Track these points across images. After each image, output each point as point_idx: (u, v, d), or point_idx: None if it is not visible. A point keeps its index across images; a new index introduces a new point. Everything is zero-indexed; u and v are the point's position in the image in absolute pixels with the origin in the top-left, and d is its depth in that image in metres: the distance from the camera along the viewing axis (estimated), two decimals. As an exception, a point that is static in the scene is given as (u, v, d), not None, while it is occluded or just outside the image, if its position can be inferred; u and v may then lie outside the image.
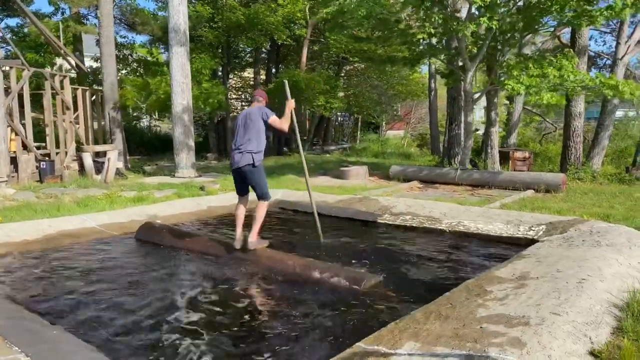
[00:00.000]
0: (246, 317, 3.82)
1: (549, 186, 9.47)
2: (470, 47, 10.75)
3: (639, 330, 3.04)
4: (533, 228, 6.10)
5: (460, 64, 10.81)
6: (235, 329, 3.59)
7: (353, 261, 5.19)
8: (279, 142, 23.79)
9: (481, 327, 3.13)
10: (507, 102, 14.12)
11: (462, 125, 10.94)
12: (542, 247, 5.23)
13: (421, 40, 10.27)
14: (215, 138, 21.53)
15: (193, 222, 7.50)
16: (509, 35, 10.05)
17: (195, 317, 3.81)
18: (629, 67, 16.57)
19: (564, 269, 4.19)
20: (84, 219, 6.96)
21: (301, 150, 6.23)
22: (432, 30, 9.60)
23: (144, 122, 29.10)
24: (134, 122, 25.45)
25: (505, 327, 3.08)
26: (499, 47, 10.51)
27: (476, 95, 10.69)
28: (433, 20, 9.38)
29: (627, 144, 15.63)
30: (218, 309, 3.98)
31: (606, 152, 12.59)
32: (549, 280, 3.93)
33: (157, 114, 26.26)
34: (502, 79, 10.20)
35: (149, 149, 21.98)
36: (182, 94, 11.74)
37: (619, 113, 19.26)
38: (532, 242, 5.66)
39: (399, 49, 18.36)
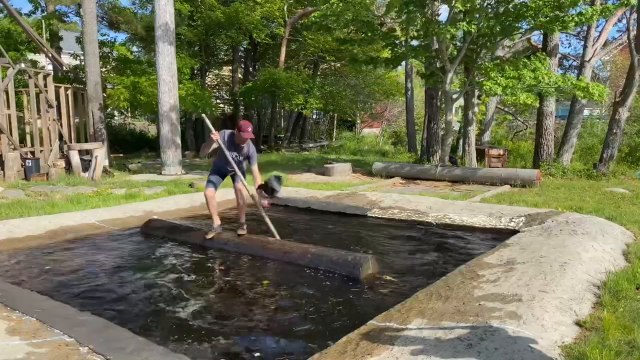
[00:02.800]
0: (253, 304, 4.13)
1: (524, 181, 10.02)
2: (450, 49, 11.23)
3: (616, 304, 3.48)
4: (514, 220, 6.56)
5: (440, 65, 11.28)
6: (245, 316, 3.90)
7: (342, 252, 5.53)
8: (256, 141, 23.99)
9: (479, 305, 3.53)
10: (479, 101, 14.68)
11: (444, 123, 11.39)
12: (523, 236, 5.68)
13: (403, 42, 10.68)
14: (192, 136, 21.54)
15: (189, 217, 7.73)
16: (486, 38, 10.56)
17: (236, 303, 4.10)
18: (594, 69, 17.42)
19: (547, 254, 4.64)
20: (83, 215, 7.12)
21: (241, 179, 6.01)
22: (415, 33, 10.02)
23: (117, 119, 28.81)
24: (108, 119, 25.22)
25: (501, 304, 3.48)
26: (477, 49, 11.02)
27: (455, 95, 11.18)
28: (415, 23, 9.81)
29: (593, 141, 16.44)
30: (241, 297, 4.28)
31: (574, 149, 13.27)
32: (534, 264, 4.36)
33: (128, 111, 26.08)
34: (480, 80, 10.71)
35: (124, 147, 21.84)
36: (169, 93, 11.87)
37: (585, 112, 20.17)
38: (513, 232, 6.12)
39: (376, 48, 18.90)
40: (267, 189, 5.60)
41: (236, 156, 5.62)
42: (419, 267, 5.08)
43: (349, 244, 5.86)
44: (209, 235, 5.79)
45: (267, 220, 5.81)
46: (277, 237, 5.69)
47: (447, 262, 5.20)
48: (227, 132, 5.64)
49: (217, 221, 5.89)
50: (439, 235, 6.37)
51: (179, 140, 12.46)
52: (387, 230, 6.70)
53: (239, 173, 5.64)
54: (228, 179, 5.94)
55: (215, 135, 5.47)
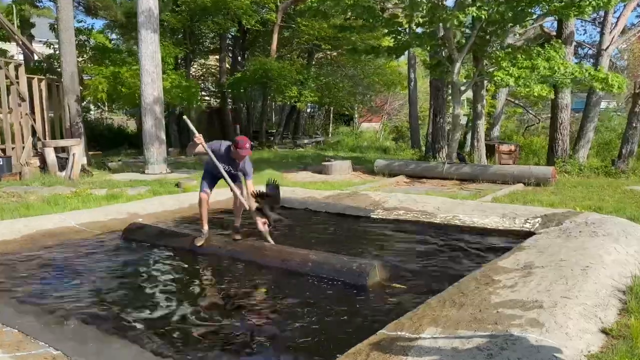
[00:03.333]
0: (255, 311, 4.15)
1: (538, 179, 10.10)
2: (458, 37, 11.29)
3: (643, 311, 3.53)
4: (529, 221, 6.62)
5: (447, 54, 11.34)
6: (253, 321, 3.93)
7: (351, 255, 5.56)
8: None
9: (497, 312, 3.56)
10: (485, 93, 14.79)
11: (451, 117, 11.45)
12: (540, 238, 5.73)
13: (407, 30, 10.72)
14: (176, 131, 21.48)
15: (177, 219, 7.73)
16: (497, 25, 10.63)
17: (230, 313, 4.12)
18: (611, 58, 17.55)
19: (567, 258, 4.68)
20: (62, 217, 7.11)
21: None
22: (420, 20, 10.07)
23: (93, 113, 28.71)
24: (83, 113, 25.14)
25: (521, 311, 3.52)
26: (487, 37, 11.08)
27: (463, 87, 11.24)
28: (420, 9, 9.86)
29: (611, 136, 16.58)
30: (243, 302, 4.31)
31: (591, 144, 13.38)
32: (554, 268, 4.41)
33: (105, 104, 25.97)
34: (490, 70, 10.77)
35: (101, 144, 21.76)
36: (152, 84, 11.86)
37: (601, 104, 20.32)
38: (529, 234, 6.16)
39: (376, 36, 18.94)
40: (266, 200, 5.57)
41: (230, 170, 5.63)
42: (429, 273, 5.11)
43: (351, 249, 5.89)
44: (199, 242, 5.81)
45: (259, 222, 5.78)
46: (271, 241, 5.70)
47: (458, 266, 5.23)
48: (224, 144, 5.66)
49: (205, 227, 5.90)
50: (449, 238, 6.41)
51: (163, 136, 12.46)
52: (393, 233, 6.74)
53: (232, 185, 5.64)
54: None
55: (199, 139, 5.45)
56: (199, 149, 5.56)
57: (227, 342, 3.58)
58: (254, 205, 5.62)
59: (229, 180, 5.61)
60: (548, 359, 2.77)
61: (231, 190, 5.70)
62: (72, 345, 3.30)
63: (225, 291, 4.66)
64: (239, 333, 3.71)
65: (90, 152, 15.02)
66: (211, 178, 5.84)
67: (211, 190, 5.85)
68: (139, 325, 3.82)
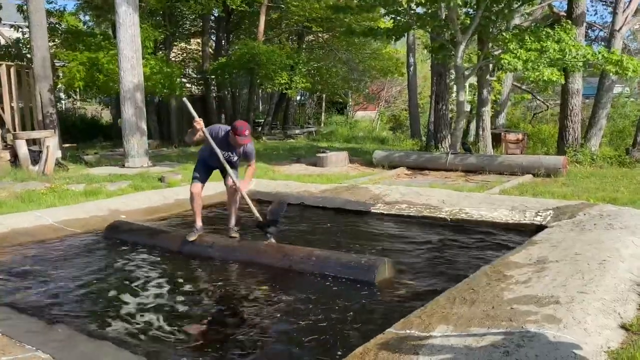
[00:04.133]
0: (258, 311, 4.22)
1: (548, 170, 10.24)
2: (462, 17, 11.37)
3: (664, 305, 3.64)
4: (540, 214, 6.73)
5: (450, 36, 11.42)
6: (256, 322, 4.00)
7: (353, 253, 5.64)
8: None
9: (512, 308, 3.65)
10: (491, 78, 14.90)
11: (454, 104, 11.53)
12: (553, 232, 5.84)
13: (407, 10, 10.78)
14: (155, 122, 21.42)
15: (162, 216, 7.77)
16: (503, 4, 10.72)
17: (234, 310, 4.19)
18: (624, 40, 17.71)
19: (582, 251, 4.79)
20: (38, 215, 7.12)
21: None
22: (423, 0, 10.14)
23: (65, 103, 28.56)
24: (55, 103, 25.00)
25: (536, 307, 3.61)
26: (493, 17, 11.17)
27: (468, 72, 11.33)
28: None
29: (624, 123, 16.77)
30: (245, 304, 4.37)
31: (603, 132, 13.54)
32: (570, 262, 4.51)
33: (77, 93, 25.83)
34: (497, 53, 10.86)
35: (74, 136, 21.68)
36: (132, 71, 11.83)
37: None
38: (540, 228, 6.27)
39: (373, 17, 18.96)
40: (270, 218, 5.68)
41: (229, 156, 5.63)
42: (435, 269, 5.20)
43: (352, 246, 5.96)
44: (191, 237, 5.83)
45: (253, 207, 5.85)
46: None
47: (467, 262, 5.33)
48: (223, 128, 5.67)
49: (199, 222, 5.94)
50: (455, 233, 6.51)
51: (144, 126, 12.44)
52: (395, 228, 6.83)
53: (230, 171, 5.68)
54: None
55: (199, 123, 5.46)
56: (199, 135, 5.55)
57: (228, 343, 3.65)
58: (243, 185, 5.70)
59: (229, 169, 5.62)
60: (567, 355, 2.86)
61: (232, 181, 5.71)
62: (61, 348, 3.35)
63: (222, 291, 4.73)
64: (239, 334, 3.78)
65: (65, 145, 14.96)
66: (205, 168, 5.85)
67: (205, 182, 5.88)
68: (129, 328, 3.87)
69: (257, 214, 5.74)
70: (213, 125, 5.76)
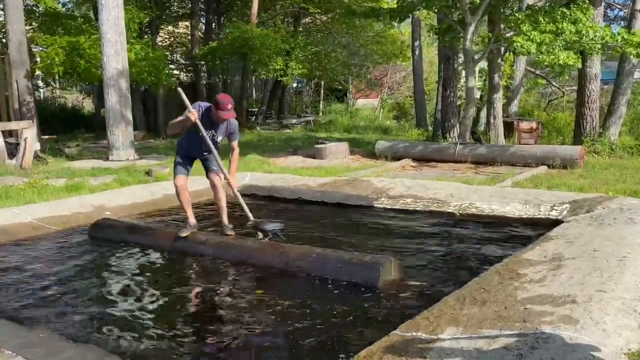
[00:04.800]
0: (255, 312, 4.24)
1: (564, 161, 10.26)
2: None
3: (688, 305, 3.66)
4: (555, 207, 6.75)
5: (459, 17, 11.40)
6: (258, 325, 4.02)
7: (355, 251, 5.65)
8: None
9: (525, 308, 3.67)
10: (502, 62, 14.90)
11: (463, 91, 11.52)
12: (569, 227, 5.87)
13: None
14: (141, 111, 21.40)
15: (150, 213, 7.80)
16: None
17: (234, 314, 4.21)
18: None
19: (600, 247, 4.81)
20: (16, 212, 7.13)
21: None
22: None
23: (43, 91, 28.51)
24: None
25: (551, 307, 3.63)
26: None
27: (478, 56, 11.33)
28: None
29: (644, 110, 16.75)
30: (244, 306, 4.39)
31: (623, 120, 13.53)
32: (587, 259, 4.53)
33: (57, 80, 25.79)
34: (509, 35, 10.86)
35: (54, 127, 21.66)
36: (116, 56, 11.84)
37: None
38: (556, 222, 6.29)
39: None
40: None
41: (213, 135, 5.63)
42: (443, 268, 5.24)
43: (353, 243, 5.98)
44: (183, 233, 5.81)
45: (244, 206, 5.86)
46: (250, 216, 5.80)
47: (477, 260, 5.36)
48: (203, 105, 5.65)
49: (192, 218, 5.94)
50: (465, 229, 6.54)
51: (130, 116, 12.45)
52: (400, 224, 6.85)
53: (215, 155, 5.67)
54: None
55: (194, 114, 5.43)
56: (184, 126, 5.54)
57: (223, 348, 3.67)
58: (233, 180, 5.73)
59: (216, 154, 5.63)
60: (585, 357, 2.88)
61: (219, 176, 5.73)
62: (44, 354, 3.36)
63: (215, 292, 4.75)
64: (235, 338, 3.79)
65: (44, 137, 14.95)
66: (186, 159, 5.83)
67: (188, 173, 5.86)
68: (116, 332, 3.89)
69: (249, 214, 5.76)
70: (194, 103, 5.72)
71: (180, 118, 5.65)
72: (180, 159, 5.85)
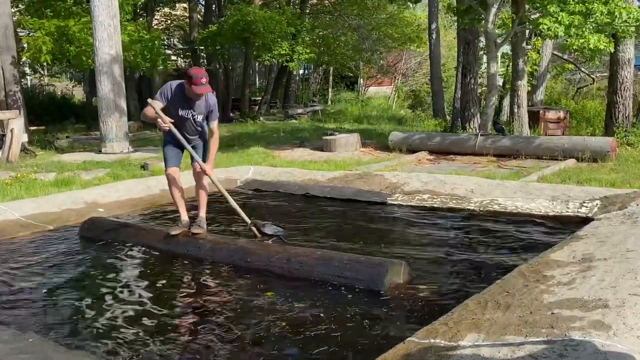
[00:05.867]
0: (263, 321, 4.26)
1: (594, 154, 10.20)
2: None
3: None
4: (585, 204, 6.73)
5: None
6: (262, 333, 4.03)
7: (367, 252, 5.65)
8: (223, 107, 23.89)
9: (553, 313, 3.67)
10: (528, 47, 14.83)
11: (484, 78, 11.47)
12: (600, 225, 5.85)
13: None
14: (136, 100, 21.45)
15: (146, 210, 7.85)
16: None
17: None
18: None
19: (635, 247, 4.80)
20: (2, 209, 7.19)
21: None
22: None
23: (30, 79, 28.63)
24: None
25: (581, 312, 3.62)
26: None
27: (500, 39, 11.28)
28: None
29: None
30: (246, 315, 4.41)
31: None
32: (620, 260, 4.52)
33: (43, 68, 25.85)
34: (534, 17, 10.80)
35: (42, 117, 21.78)
36: (109, 41, 11.86)
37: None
38: (585, 220, 6.28)
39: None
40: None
41: (192, 115, 5.58)
42: (463, 269, 5.23)
43: (365, 244, 5.99)
44: (174, 231, 5.82)
45: (235, 206, 5.87)
46: (246, 219, 5.81)
47: (500, 261, 5.35)
48: (174, 84, 5.59)
49: (184, 214, 5.96)
50: (486, 227, 6.53)
51: (124, 105, 12.48)
52: (416, 222, 6.84)
53: (198, 142, 5.68)
54: None
55: (166, 124, 5.42)
56: (151, 112, 5.51)
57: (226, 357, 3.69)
58: (210, 169, 5.69)
59: (188, 147, 5.62)
60: (618, 366, 2.88)
61: (190, 155, 5.71)
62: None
63: (213, 297, 4.75)
64: (238, 346, 3.80)
65: (32, 128, 15.02)
66: (175, 147, 5.81)
67: (179, 164, 5.87)
68: (108, 338, 3.91)
69: (243, 214, 5.75)
70: (164, 85, 5.68)
71: (150, 111, 5.55)
72: (169, 146, 5.82)
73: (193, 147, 5.74)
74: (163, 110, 5.52)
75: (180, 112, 5.54)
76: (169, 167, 5.79)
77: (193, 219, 5.99)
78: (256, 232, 5.70)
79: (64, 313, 4.38)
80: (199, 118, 5.62)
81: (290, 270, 5.09)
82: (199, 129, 5.73)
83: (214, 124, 5.69)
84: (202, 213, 5.93)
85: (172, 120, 5.49)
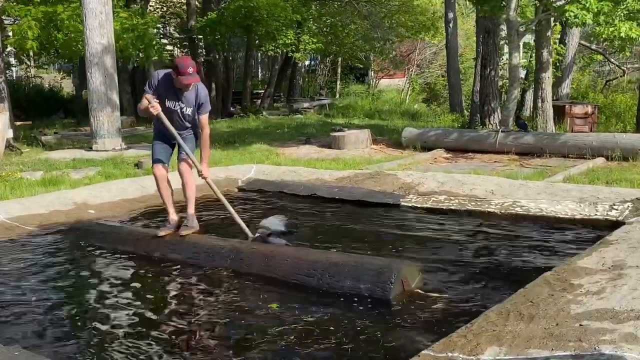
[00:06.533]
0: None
1: (625, 152, 10.17)
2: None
3: None
4: (615, 207, 6.70)
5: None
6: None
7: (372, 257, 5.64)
8: (223, 100, 23.89)
9: (581, 325, 3.65)
10: (552, 35, 14.79)
11: (505, 70, 11.44)
12: (632, 229, 5.82)
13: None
14: (129, 93, 21.48)
15: (140, 211, 7.85)
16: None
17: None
18: None
19: (670, 254, 4.78)
20: (-15, 210, 7.21)
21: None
22: None
23: (16, 70, 28.71)
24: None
25: (612, 324, 3.61)
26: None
27: (523, 28, 11.25)
28: None
29: None
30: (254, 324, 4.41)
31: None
32: (654, 268, 4.50)
33: (30, 58, 25.94)
34: (560, 3, 10.76)
35: (29, 111, 21.84)
36: (100, 29, 11.88)
37: None
38: (616, 224, 6.25)
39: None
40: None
41: (181, 107, 5.60)
42: (483, 277, 5.20)
43: (375, 247, 5.99)
44: (162, 233, 5.84)
45: (236, 216, 5.87)
46: (248, 232, 5.82)
47: (523, 268, 5.34)
48: (161, 73, 5.63)
49: (172, 214, 5.97)
50: (508, 231, 6.53)
51: (116, 99, 12.49)
52: (431, 226, 6.84)
53: (184, 134, 5.68)
54: None
55: (155, 108, 5.43)
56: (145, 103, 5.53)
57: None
58: (206, 170, 5.72)
59: (180, 141, 5.63)
60: (652, 383, 2.86)
61: (188, 161, 5.72)
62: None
63: (213, 306, 4.75)
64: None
65: (17, 123, 15.05)
66: (163, 142, 5.84)
67: (168, 161, 5.88)
68: (99, 351, 3.91)
69: (245, 227, 5.76)
70: (152, 75, 5.74)
71: (144, 102, 5.58)
72: (157, 141, 5.85)
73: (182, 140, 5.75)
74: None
75: (168, 104, 5.57)
76: (157, 165, 5.80)
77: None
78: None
79: (50, 322, 4.38)
80: (188, 111, 5.64)
81: (301, 274, 5.09)
82: (188, 125, 5.74)
83: (204, 118, 5.70)
84: (191, 209, 5.92)
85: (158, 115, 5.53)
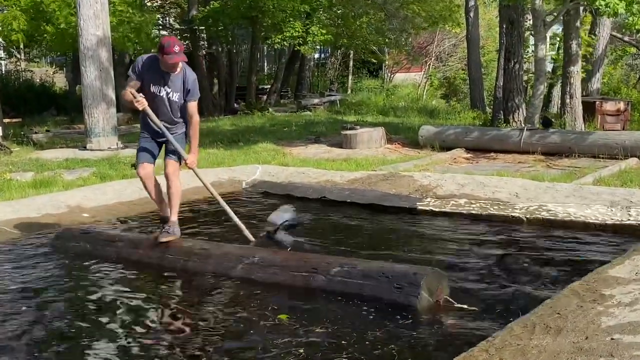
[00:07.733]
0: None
1: (660, 152, 10.15)
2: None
3: None
4: (650, 211, 6.68)
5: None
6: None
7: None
8: (226, 96, 23.92)
9: (612, 339, 3.64)
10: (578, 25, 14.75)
11: (530, 63, 11.41)
12: (667, 236, 5.82)
13: None
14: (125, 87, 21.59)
15: (137, 216, 7.87)
16: None
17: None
18: None
19: None
20: (-26, 213, 7.26)
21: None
22: None
23: (5, 64, 28.87)
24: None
25: (646, 337, 3.60)
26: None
27: (550, 18, 11.23)
28: None
29: None
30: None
31: None
32: (691, 277, 4.49)
33: (19, 51, 26.07)
34: (590, -9, 10.74)
35: (19, 108, 21.97)
36: (95, 20, 11.91)
37: None
38: (651, 230, 6.25)
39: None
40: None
41: (167, 92, 5.57)
42: (506, 286, 5.18)
43: (390, 254, 5.97)
44: (164, 239, 5.81)
45: (236, 219, 5.88)
46: (250, 236, 5.88)
47: (550, 277, 5.33)
48: (145, 56, 5.64)
49: (164, 213, 5.97)
50: (533, 238, 6.51)
51: (112, 94, 12.52)
52: (450, 232, 6.84)
53: (173, 130, 5.66)
54: None
55: (140, 103, 5.39)
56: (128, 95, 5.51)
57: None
58: (193, 157, 5.71)
59: (166, 132, 5.61)
60: (690, 402, 2.85)
61: (167, 143, 5.72)
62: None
63: (215, 318, 4.76)
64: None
65: (6, 120, 15.13)
66: (150, 139, 5.83)
67: (155, 158, 5.86)
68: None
69: (246, 230, 5.77)
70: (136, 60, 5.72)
71: (127, 93, 5.55)
72: (144, 138, 5.84)
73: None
74: (138, 90, 5.52)
75: (153, 89, 5.54)
76: (140, 165, 5.78)
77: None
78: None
79: (40, 332, 4.41)
80: (175, 97, 5.60)
81: (311, 280, 5.12)
82: (177, 119, 5.73)
83: (193, 105, 5.67)
84: (174, 216, 5.90)
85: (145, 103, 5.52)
